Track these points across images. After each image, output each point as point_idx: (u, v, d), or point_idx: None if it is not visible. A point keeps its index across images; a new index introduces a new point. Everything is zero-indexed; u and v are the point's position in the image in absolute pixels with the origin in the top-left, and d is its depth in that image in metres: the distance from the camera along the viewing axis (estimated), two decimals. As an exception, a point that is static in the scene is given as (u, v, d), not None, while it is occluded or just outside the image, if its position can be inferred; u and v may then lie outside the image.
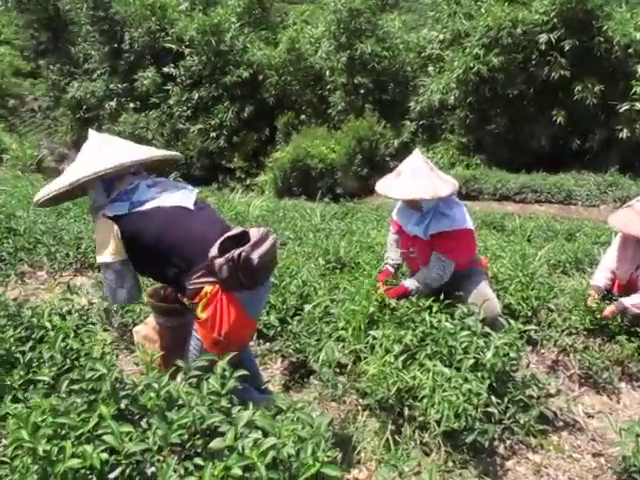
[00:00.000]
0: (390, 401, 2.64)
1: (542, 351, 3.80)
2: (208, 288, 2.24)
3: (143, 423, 1.91)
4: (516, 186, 14.28)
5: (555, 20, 15.05)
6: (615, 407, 3.32)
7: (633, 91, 14.68)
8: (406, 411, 2.63)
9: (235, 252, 2.16)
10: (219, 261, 2.18)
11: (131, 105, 20.55)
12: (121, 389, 2.01)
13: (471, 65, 15.43)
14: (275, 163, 16.87)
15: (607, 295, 3.88)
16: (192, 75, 19.80)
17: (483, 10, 16.16)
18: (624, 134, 14.84)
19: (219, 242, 2.23)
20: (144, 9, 19.95)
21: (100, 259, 2.34)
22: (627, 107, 14.75)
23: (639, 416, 2.83)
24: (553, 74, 15.15)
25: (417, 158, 3.23)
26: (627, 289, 3.78)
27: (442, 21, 18.69)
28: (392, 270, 3.59)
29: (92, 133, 2.52)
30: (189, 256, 2.28)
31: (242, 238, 2.29)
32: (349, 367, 2.81)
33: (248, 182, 18.63)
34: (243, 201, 10.10)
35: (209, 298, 2.23)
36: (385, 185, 3.25)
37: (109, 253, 2.31)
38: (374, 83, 18.31)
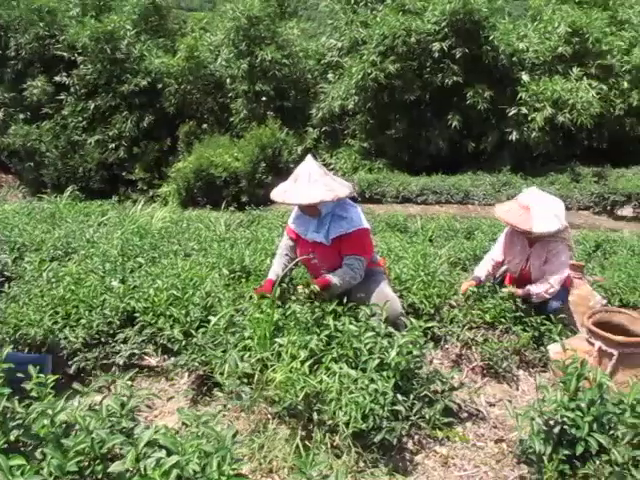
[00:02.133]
0: (299, 407, 2.63)
1: (446, 346, 3.93)
2: None
3: (38, 453, 1.80)
4: (417, 188, 14.72)
5: (446, 30, 15.72)
6: (514, 394, 3.49)
7: (519, 96, 15.67)
8: (315, 416, 2.62)
9: None
10: None
11: (21, 116, 19.41)
12: (11, 419, 1.88)
13: (369, 72, 15.77)
14: (178, 173, 16.47)
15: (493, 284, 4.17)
16: (87, 84, 18.98)
17: (378, 19, 16.58)
18: (514, 136, 15.75)
19: None
20: (30, 13, 18.82)
21: None
22: (515, 111, 15.68)
23: (535, 401, 2.97)
24: (447, 80, 15.79)
25: (311, 163, 3.26)
26: (519, 282, 4.03)
27: (340, 29, 19.04)
28: (274, 279, 3.51)
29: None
30: None
31: None
32: (256, 376, 2.77)
33: (151, 193, 18.09)
34: (146, 213, 9.81)
35: None
36: (282, 192, 3.25)
37: None
38: (275, 90, 18.36)
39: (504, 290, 3.95)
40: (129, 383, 2.38)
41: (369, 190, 15.12)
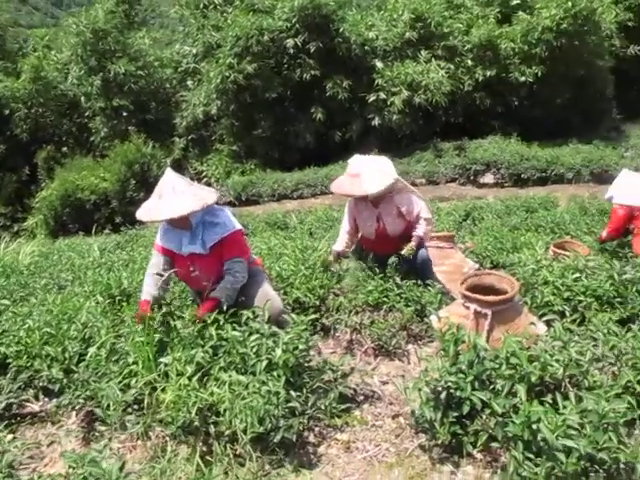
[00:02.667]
0: (195, 423, 2.59)
1: (337, 334, 4.00)
2: None
3: None
4: (292, 184, 14.83)
5: (297, 26, 16.00)
6: (407, 368, 3.61)
7: (376, 83, 16.27)
8: (212, 429, 2.59)
9: None
10: None
11: None
12: None
13: (227, 75, 15.72)
14: (42, 202, 15.49)
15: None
16: None
17: (230, 21, 16.56)
18: (376, 122, 16.34)
19: None
20: None
21: None
22: (374, 97, 16.25)
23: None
24: (305, 75, 16.09)
25: (172, 176, 3.19)
26: (379, 242, 4.34)
27: (192, 35, 18.82)
28: (151, 299, 3.41)
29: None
30: None
31: None
32: (146, 400, 2.69)
33: (16, 228, 16.96)
34: (11, 250, 9.16)
35: None
36: (148, 210, 3.15)
37: None
38: (135, 104, 17.84)
39: (404, 252, 4.20)
40: (8, 437, 2.21)
41: (244, 192, 15.11)
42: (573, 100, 17.54)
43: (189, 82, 18.58)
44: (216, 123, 17.91)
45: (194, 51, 18.41)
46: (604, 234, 5.55)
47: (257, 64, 15.77)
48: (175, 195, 3.10)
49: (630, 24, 18.39)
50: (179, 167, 17.77)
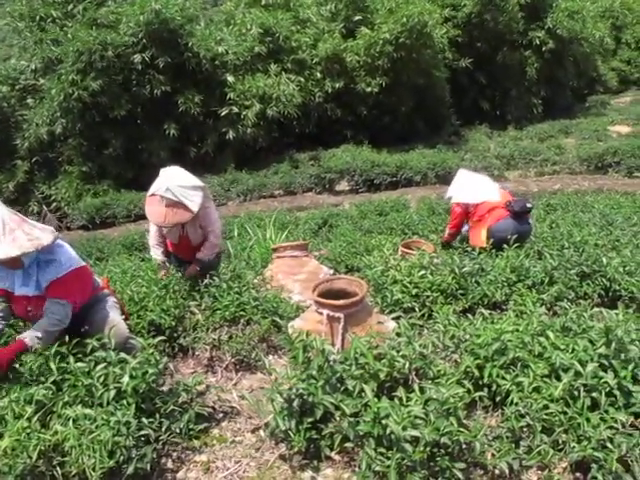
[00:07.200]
0: (39, 468, 2.40)
1: (197, 353, 3.94)
2: None
3: None
4: (148, 204, 14.30)
5: (144, 41, 15.48)
6: (268, 380, 3.61)
7: (228, 97, 16.27)
8: (59, 471, 2.42)
9: None
10: None
11: None
12: None
13: (70, 92, 14.88)
14: None
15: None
16: None
17: (70, 35, 15.69)
18: (231, 135, 16.27)
19: None
20: None
21: None
22: (227, 111, 16.21)
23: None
24: (155, 91, 15.64)
25: (3, 211, 2.89)
26: (184, 248, 4.56)
27: (30, 49, 17.63)
28: None
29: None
30: None
31: None
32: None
33: None
34: None
35: None
36: None
37: None
38: (-34, 125, 16.37)
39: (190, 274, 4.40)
40: None
41: (98, 215, 14.41)
42: (416, 108, 18.76)
43: (29, 100, 17.34)
44: (63, 143, 16.85)
45: (32, 66, 17.22)
46: (446, 234, 5.96)
47: (102, 80, 15.03)
48: (5, 234, 2.82)
49: (460, 39, 20.07)
50: (24, 192, 16.55)
